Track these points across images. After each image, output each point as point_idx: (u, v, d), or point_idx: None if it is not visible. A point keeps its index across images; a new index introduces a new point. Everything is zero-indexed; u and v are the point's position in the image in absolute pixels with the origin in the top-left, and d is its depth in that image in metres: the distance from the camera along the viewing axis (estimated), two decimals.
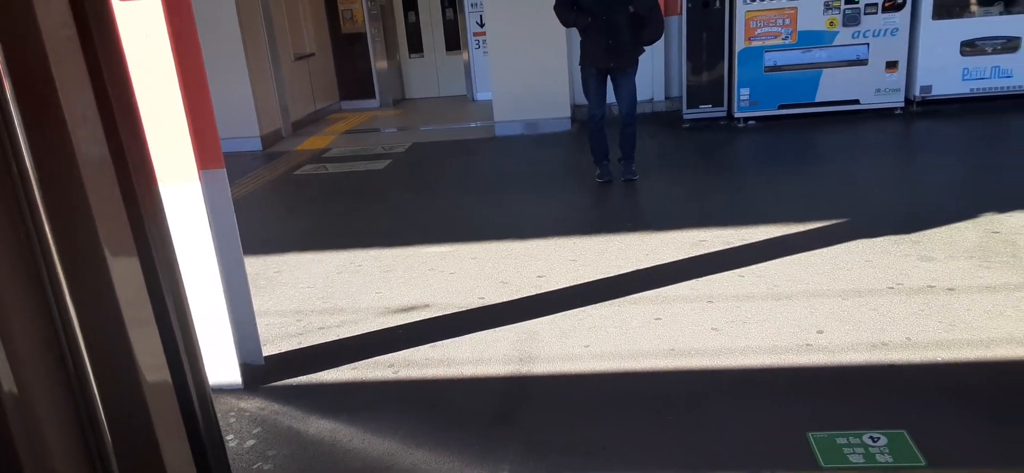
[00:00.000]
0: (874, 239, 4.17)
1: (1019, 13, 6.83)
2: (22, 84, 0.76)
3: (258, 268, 4.60)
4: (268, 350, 3.54)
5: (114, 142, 0.84)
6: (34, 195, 0.78)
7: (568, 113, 7.96)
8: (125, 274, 0.83)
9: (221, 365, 3.20)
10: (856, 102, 7.06)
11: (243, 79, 8.21)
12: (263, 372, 3.35)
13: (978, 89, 6.94)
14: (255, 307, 3.79)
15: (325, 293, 4.19)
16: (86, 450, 0.86)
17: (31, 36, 0.75)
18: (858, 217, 4.60)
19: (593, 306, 3.71)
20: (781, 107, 7.16)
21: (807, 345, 3.19)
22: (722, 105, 7.42)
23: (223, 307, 3.12)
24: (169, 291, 0.89)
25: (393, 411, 3.03)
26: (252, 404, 3.13)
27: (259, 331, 3.51)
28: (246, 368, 3.28)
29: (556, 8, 5.52)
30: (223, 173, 3.08)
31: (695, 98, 7.47)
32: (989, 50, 6.79)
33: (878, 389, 2.85)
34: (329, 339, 3.65)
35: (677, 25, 7.81)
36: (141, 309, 0.85)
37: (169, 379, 0.88)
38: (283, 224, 5.91)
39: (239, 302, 3.23)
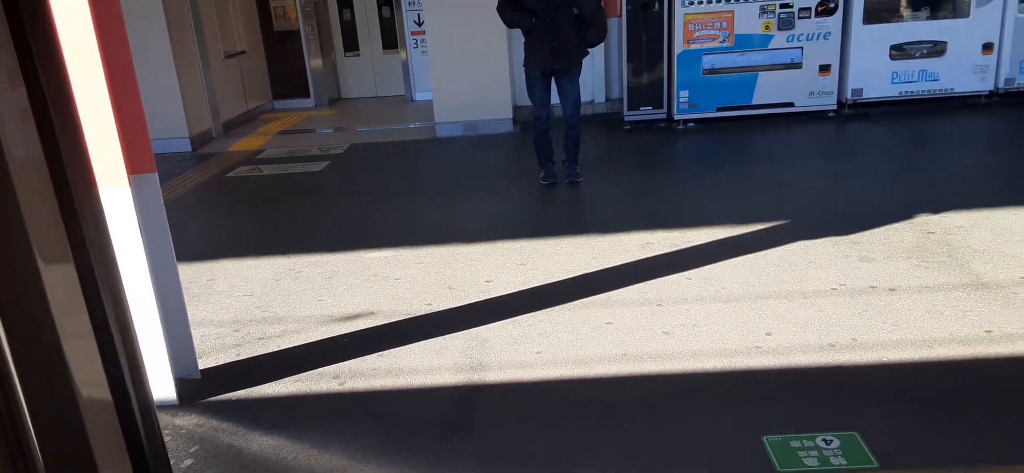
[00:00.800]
0: (815, 240, 4.26)
1: (945, 18, 7.13)
2: None
3: (191, 275, 4.38)
4: (204, 363, 3.36)
5: (49, 142, 0.77)
6: None
7: (510, 114, 7.91)
8: (59, 282, 0.75)
9: (155, 380, 3.00)
10: (791, 105, 7.24)
11: (170, 77, 7.85)
12: (199, 387, 3.17)
13: (907, 92, 7.21)
14: (190, 317, 3.60)
15: (263, 301, 4.01)
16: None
17: None
18: (798, 219, 4.69)
19: (543, 311, 3.66)
20: (719, 109, 7.28)
21: (757, 347, 3.21)
22: (662, 107, 7.50)
23: (156, 318, 2.93)
24: (109, 301, 0.80)
25: (339, 424, 2.91)
26: (189, 421, 2.95)
27: (194, 343, 3.33)
28: (181, 382, 3.10)
29: (499, 9, 5.45)
30: (155, 178, 2.90)
31: (635, 100, 7.52)
32: (917, 54, 7.06)
33: (828, 390, 2.89)
34: (269, 350, 3.49)
35: (617, 27, 7.86)
36: (78, 321, 0.76)
37: (109, 396, 0.80)
38: (216, 229, 5.66)
39: (173, 313, 3.05)
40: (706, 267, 4.05)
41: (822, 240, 4.26)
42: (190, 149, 8.08)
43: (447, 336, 3.49)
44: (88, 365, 0.76)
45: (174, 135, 8.01)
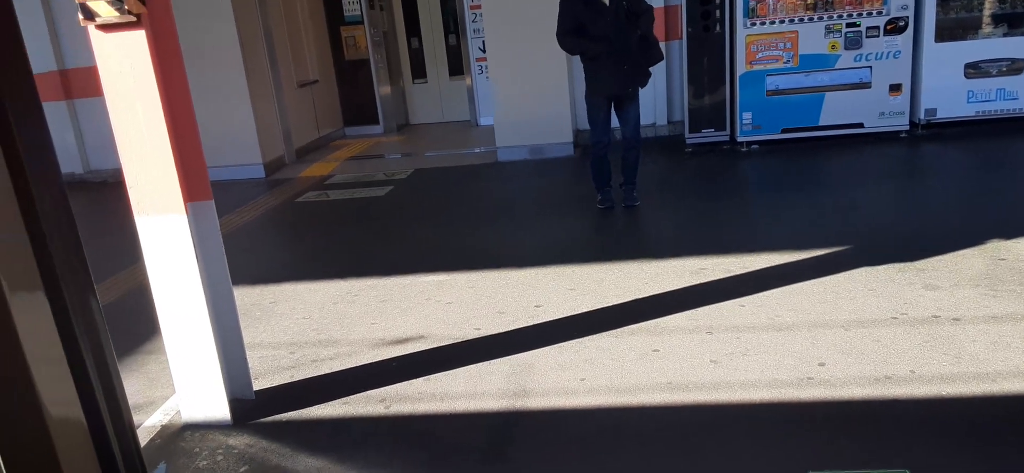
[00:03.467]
0: (878, 267, 4.09)
1: (1023, 35, 6.77)
2: None
3: (255, 298, 4.56)
4: (259, 384, 3.49)
5: (14, 161, 0.76)
6: None
7: (570, 138, 7.93)
8: (28, 308, 0.77)
9: (209, 400, 3.15)
10: (860, 126, 7.00)
11: (245, 107, 8.23)
12: (253, 407, 3.29)
13: (983, 111, 6.86)
14: (250, 339, 3.76)
15: (320, 324, 4.14)
16: None
17: None
18: (862, 244, 4.52)
19: (590, 337, 3.64)
20: (784, 131, 7.10)
21: (808, 378, 3.11)
22: (725, 129, 7.37)
23: (211, 341, 3.07)
24: (83, 328, 0.82)
25: (384, 448, 2.97)
26: (240, 440, 3.07)
27: (252, 364, 3.46)
28: (235, 403, 3.23)
29: (561, 38, 5.46)
30: (211, 205, 3.04)
31: (697, 122, 7.42)
32: (994, 72, 6.71)
33: (881, 425, 2.77)
34: (321, 372, 3.60)
35: (678, 49, 7.79)
36: (48, 347, 0.79)
37: (83, 422, 0.82)
38: (282, 253, 5.88)
39: (228, 336, 3.18)
40: (761, 294, 3.95)
41: (885, 266, 4.09)
42: (264, 175, 8.42)
43: (493, 361, 3.51)
44: (59, 393, 0.79)
45: (249, 162, 8.37)
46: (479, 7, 8.54)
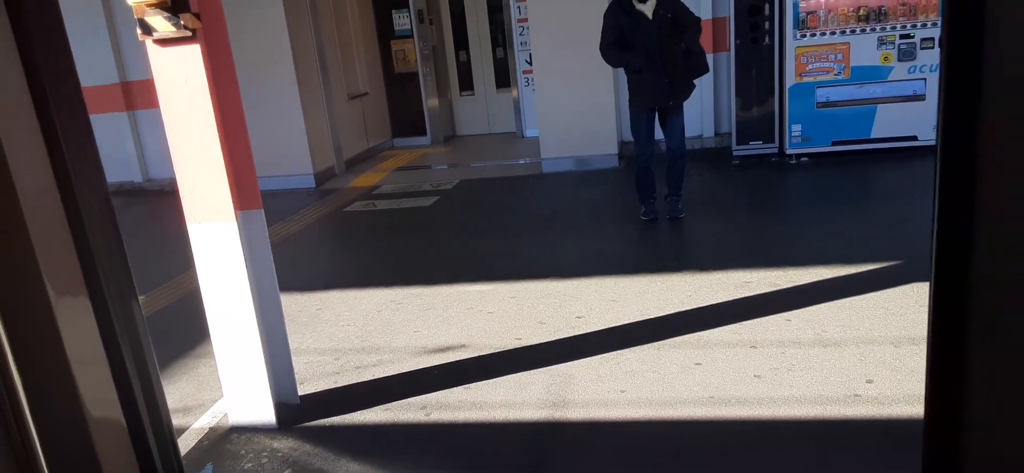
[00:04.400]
0: (928, 282, 3.97)
1: None
2: None
3: (302, 305, 4.67)
4: (304, 389, 3.57)
5: (60, 168, 0.80)
6: None
7: (615, 150, 7.91)
8: (71, 311, 0.80)
9: (257, 404, 3.23)
10: (914, 138, 6.81)
11: (298, 118, 8.43)
12: (298, 411, 3.37)
13: None
14: (296, 345, 3.85)
15: (364, 331, 4.21)
16: None
17: None
18: (914, 259, 4.40)
19: (631, 349, 3.63)
20: (834, 143, 6.95)
21: (855, 396, 3.04)
22: (773, 141, 7.25)
23: (258, 346, 3.16)
24: (124, 331, 0.86)
25: (423, 455, 3.00)
26: (285, 444, 3.14)
27: (297, 369, 3.55)
28: (281, 407, 3.31)
29: (604, 51, 5.47)
30: (261, 214, 3.13)
31: (745, 134, 7.32)
32: None
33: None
34: (364, 378, 3.66)
35: (726, 61, 7.70)
36: (90, 349, 0.82)
37: (123, 422, 0.85)
38: (330, 261, 6.00)
39: (275, 341, 3.27)
40: (808, 308, 3.88)
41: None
42: (314, 185, 8.61)
43: (533, 371, 3.53)
44: (99, 393, 0.82)
45: (300, 172, 8.56)
46: (526, 21, 8.59)
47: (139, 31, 2.81)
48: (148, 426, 0.87)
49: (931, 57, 6.58)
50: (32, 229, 0.75)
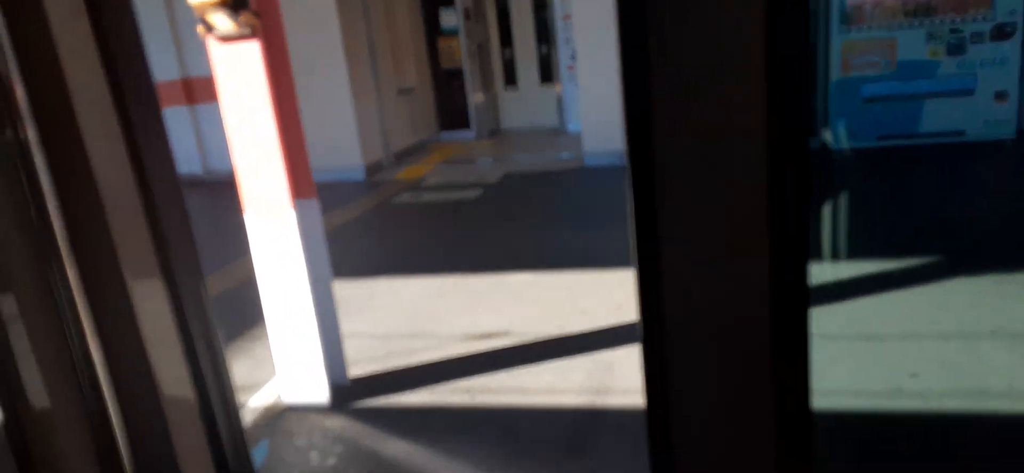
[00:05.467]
0: (978, 277, 3.93)
1: None
2: (36, 97, 0.79)
3: (353, 292, 4.82)
4: (355, 371, 3.71)
5: (136, 161, 0.86)
6: (51, 220, 0.80)
7: None
8: (147, 293, 0.87)
9: (310, 384, 3.39)
10: (962, 133, 6.66)
11: (348, 113, 8.65)
12: (348, 392, 3.51)
13: None
14: (347, 329, 3.99)
15: (412, 317, 4.34)
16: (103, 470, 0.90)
17: (43, 38, 0.77)
18: (962, 255, 4.34)
19: None
20: (880, 138, 6.85)
21: (899, 390, 3.04)
22: (817, 136, 7.18)
23: (314, 329, 3.31)
24: (194, 314, 0.93)
25: (468, 436, 3.11)
26: (336, 423, 3.29)
27: (348, 352, 3.69)
28: (332, 388, 3.45)
29: None
30: (315, 203, 3.28)
31: None
32: None
33: (973, 442, 2.69)
34: (412, 363, 3.79)
35: None
36: (165, 331, 0.89)
37: (194, 398, 0.92)
38: (380, 250, 6.16)
39: (327, 325, 3.41)
40: (851, 301, 3.87)
41: (988, 277, 3.92)
42: (364, 177, 8.81)
43: (575, 357, 3.61)
44: (174, 373, 0.90)
45: (351, 164, 8.78)
46: (570, 17, 8.64)
47: (201, 29, 2.98)
48: (216, 402, 0.94)
49: (982, 52, 6.43)
50: (111, 217, 0.83)
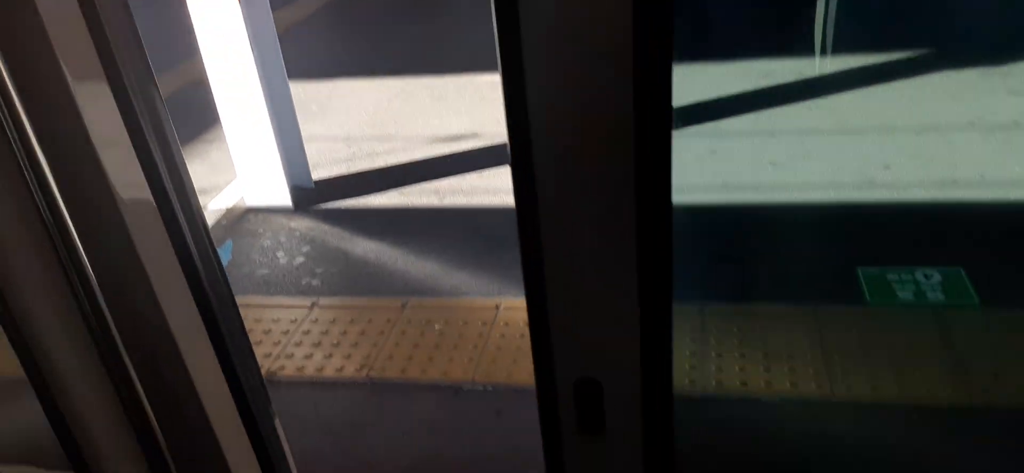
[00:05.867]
0: (960, 71, 3.83)
1: None
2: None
3: (311, 93, 4.59)
4: (318, 174, 3.58)
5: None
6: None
7: None
8: (91, 95, 0.80)
9: (270, 186, 3.27)
10: None
11: None
12: (313, 194, 3.41)
13: None
14: (307, 132, 3.82)
15: (375, 119, 4.17)
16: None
17: None
18: (946, 47, 4.21)
19: None
20: None
21: (871, 181, 3.01)
22: None
23: (270, 131, 3.13)
24: (144, 111, 0.84)
25: (437, 235, 3.06)
26: (302, 224, 3.21)
27: (310, 155, 3.54)
28: (296, 190, 3.34)
29: None
30: None
31: None
32: None
33: (941, 227, 2.70)
34: (377, 165, 3.67)
35: None
36: (112, 130, 0.81)
37: (152, 202, 0.86)
38: (338, 50, 5.84)
39: (286, 126, 3.24)
40: (831, 96, 3.78)
41: (968, 71, 3.83)
42: None
43: None
44: (126, 173, 0.82)
45: None
46: None
47: None
48: (177, 205, 0.88)
49: None
50: (44, 15, 0.73)
